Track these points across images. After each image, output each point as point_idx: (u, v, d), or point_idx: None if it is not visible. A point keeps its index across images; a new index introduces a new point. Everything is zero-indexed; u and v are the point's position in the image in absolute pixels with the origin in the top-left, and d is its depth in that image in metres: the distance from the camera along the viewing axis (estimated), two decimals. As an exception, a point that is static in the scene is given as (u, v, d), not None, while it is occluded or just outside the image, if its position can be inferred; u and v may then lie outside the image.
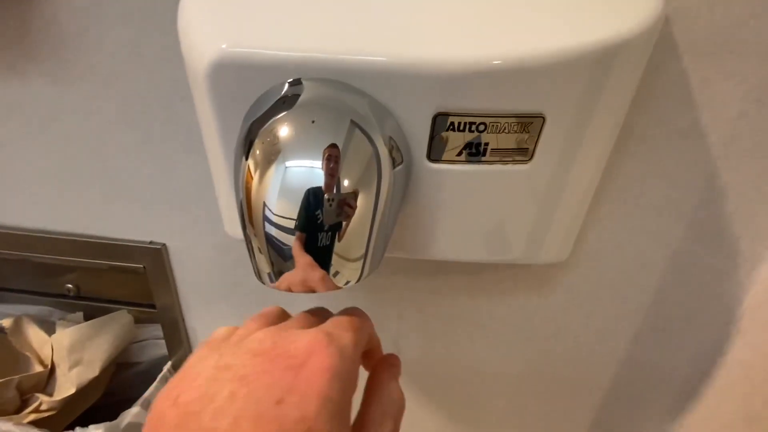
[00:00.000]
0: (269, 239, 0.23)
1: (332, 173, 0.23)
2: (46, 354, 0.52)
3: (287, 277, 0.24)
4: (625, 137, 0.32)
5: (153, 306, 0.47)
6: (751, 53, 0.28)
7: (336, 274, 0.24)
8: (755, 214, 0.34)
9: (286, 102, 0.23)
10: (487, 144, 0.25)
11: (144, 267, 0.44)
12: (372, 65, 0.23)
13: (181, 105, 0.35)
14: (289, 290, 0.25)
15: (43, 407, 0.49)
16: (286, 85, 0.24)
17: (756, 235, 0.35)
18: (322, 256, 0.23)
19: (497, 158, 0.26)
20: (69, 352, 0.49)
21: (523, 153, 0.25)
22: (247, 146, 0.23)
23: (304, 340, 0.20)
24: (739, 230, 0.35)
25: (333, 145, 0.23)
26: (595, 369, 0.44)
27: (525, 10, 0.24)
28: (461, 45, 0.23)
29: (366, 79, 0.24)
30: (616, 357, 0.43)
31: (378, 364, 0.27)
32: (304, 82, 0.24)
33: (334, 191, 0.23)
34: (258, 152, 0.23)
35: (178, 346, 0.49)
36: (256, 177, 0.23)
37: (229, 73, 0.24)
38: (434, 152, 0.26)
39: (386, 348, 0.46)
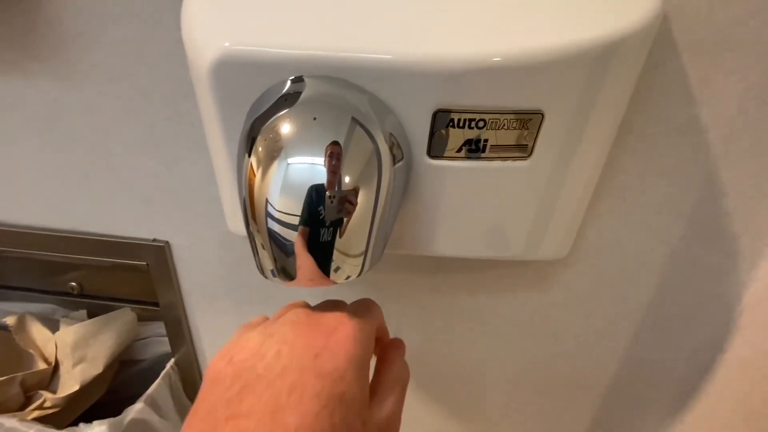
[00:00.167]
0: (272, 235, 0.24)
1: (334, 170, 0.23)
2: (49, 351, 0.52)
3: (289, 272, 0.24)
4: (625, 134, 0.32)
5: (156, 303, 0.48)
6: (750, 51, 0.29)
7: (337, 269, 0.24)
8: (755, 211, 0.34)
9: (288, 99, 0.24)
10: (486, 141, 0.25)
11: (147, 264, 0.44)
12: (372, 62, 0.24)
13: (183, 103, 0.35)
14: (292, 285, 0.25)
15: (47, 404, 0.49)
16: (288, 83, 0.24)
17: (756, 233, 0.35)
18: (323, 252, 0.24)
19: (497, 155, 0.26)
20: (73, 350, 0.49)
21: (523, 149, 0.26)
22: (249, 143, 0.23)
23: (333, 315, 0.25)
24: (739, 228, 0.35)
25: (335, 143, 0.23)
26: (595, 367, 0.45)
27: (524, 7, 0.24)
28: (461, 42, 0.23)
29: (367, 76, 0.24)
30: (616, 355, 0.43)
31: (386, 345, 0.31)
32: (306, 79, 0.24)
33: (336, 188, 0.23)
34: (260, 149, 0.23)
35: (181, 343, 0.49)
36: (258, 174, 0.23)
37: (231, 70, 0.25)
38: (434, 149, 0.26)
39: (387, 345, 0.46)
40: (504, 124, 0.24)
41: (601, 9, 0.24)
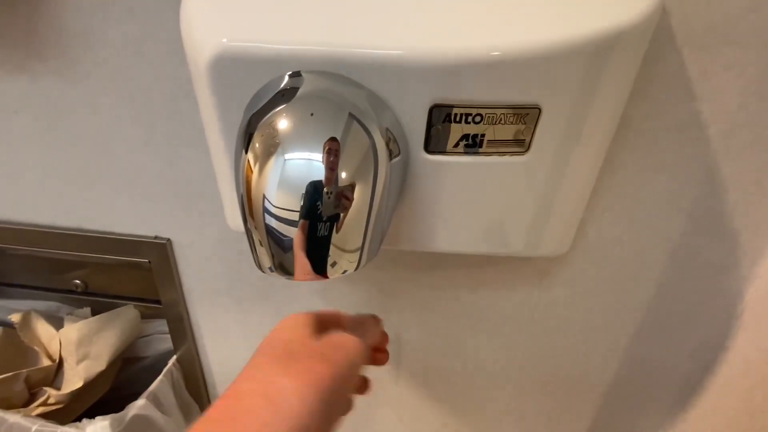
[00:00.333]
0: (269, 231, 0.24)
1: (332, 167, 0.23)
2: (54, 348, 0.52)
3: (287, 268, 0.24)
4: (625, 130, 0.32)
5: (158, 301, 0.48)
6: (750, 46, 0.28)
7: (334, 264, 0.24)
8: (756, 207, 0.34)
9: (285, 95, 0.24)
10: (483, 135, 0.25)
11: (149, 261, 0.44)
12: (369, 57, 0.24)
13: (184, 101, 0.36)
14: (289, 279, 0.25)
15: (51, 401, 0.49)
16: (286, 78, 0.24)
17: (757, 229, 0.35)
18: (320, 248, 0.24)
19: (494, 150, 0.26)
20: (77, 347, 0.49)
21: (520, 145, 0.26)
22: (246, 139, 0.24)
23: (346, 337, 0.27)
24: (740, 224, 0.35)
25: (333, 139, 0.23)
26: (597, 364, 0.44)
27: (521, 1, 0.24)
28: (457, 36, 0.23)
29: (363, 71, 0.24)
30: (617, 352, 0.43)
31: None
32: (303, 74, 0.25)
33: (333, 184, 0.23)
34: (257, 145, 0.23)
35: (183, 340, 0.50)
36: (255, 170, 0.23)
37: (229, 66, 0.25)
38: (431, 144, 0.26)
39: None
40: (501, 119, 0.24)
41: (599, 3, 0.24)
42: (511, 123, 0.25)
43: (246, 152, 0.23)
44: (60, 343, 0.52)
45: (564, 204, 0.30)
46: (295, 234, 0.23)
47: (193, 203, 0.41)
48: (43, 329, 0.53)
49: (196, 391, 0.54)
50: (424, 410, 0.51)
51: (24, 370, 0.50)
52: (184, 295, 0.47)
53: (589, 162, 0.29)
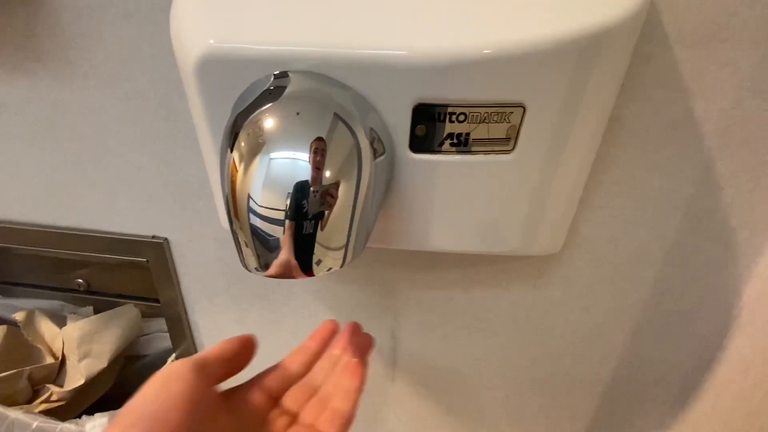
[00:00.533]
0: (254, 231, 0.24)
1: (319, 166, 0.23)
2: (57, 346, 0.53)
3: (273, 267, 0.25)
4: (617, 128, 0.31)
5: (158, 300, 0.49)
6: (743, 42, 0.28)
7: (318, 262, 0.24)
8: (753, 205, 0.33)
9: (272, 94, 0.24)
10: (468, 134, 0.25)
11: (147, 261, 0.45)
12: (351, 57, 0.24)
13: (180, 102, 0.36)
14: (276, 277, 0.25)
15: (54, 398, 0.50)
16: (272, 78, 0.25)
17: (755, 227, 0.34)
18: (304, 246, 0.24)
19: (480, 148, 0.26)
20: (78, 345, 0.50)
21: (506, 143, 0.26)
22: (232, 138, 0.24)
23: None
24: (737, 222, 0.34)
25: (320, 138, 0.23)
26: (595, 364, 0.44)
27: (502, 0, 0.24)
28: (438, 35, 0.23)
29: (347, 71, 0.24)
30: (615, 352, 0.43)
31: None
32: (290, 74, 0.25)
33: (319, 183, 0.23)
34: (243, 144, 0.23)
35: (182, 339, 0.50)
36: (240, 169, 0.23)
37: (216, 67, 0.25)
38: (416, 143, 0.26)
39: (383, 341, 0.46)
40: (485, 118, 0.24)
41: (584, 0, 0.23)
42: (496, 122, 0.24)
43: (231, 151, 0.24)
44: (63, 341, 0.52)
45: (554, 203, 0.30)
46: (280, 233, 0.24)
47: (190, 203, 0.41)
48: (46, 327, 0.54)
49: (196, 389, 0.55)
50: (420, 410, 0.51)
51: (27, 368, 0.51)
52: (182, 294, 0.47)
53: (579, 160, 0.29)
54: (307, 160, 0.23)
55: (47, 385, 0.51)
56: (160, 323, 0.55)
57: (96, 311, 0.54)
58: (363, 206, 0.24)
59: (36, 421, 0.42)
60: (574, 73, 0.24)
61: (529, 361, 0.45)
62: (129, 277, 0.52)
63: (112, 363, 0.52)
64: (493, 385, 0.48)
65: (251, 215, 0.23)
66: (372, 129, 0.24)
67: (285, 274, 0.25)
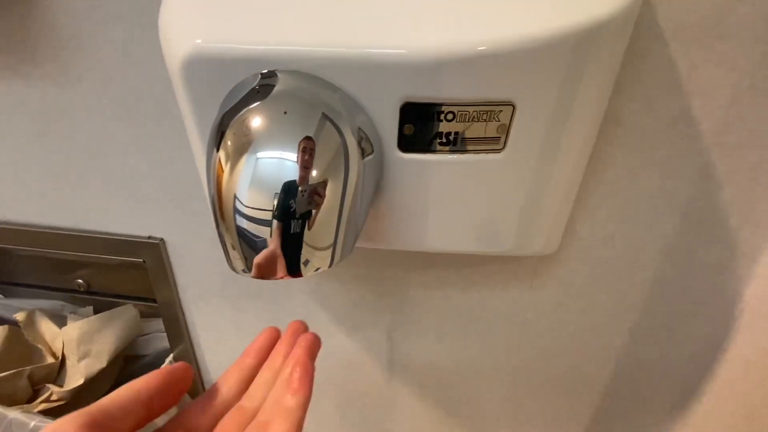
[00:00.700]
0: (240, 232, 0.24)
1: (307, 165, 0.23)
2: (57, 346, 0.53)
3: (260, 268, 0.24)
4: (613, 126, 0.31)
5: (155, 300, 0.49)
6: (741, 39, 0.28)
7: (306, 262, 0.24)
8: (753, 205, 0.33)
9: (259, 93, 0.24)
10: (457, 133, 0.25)
11: (144, 261, 0.45)
12: (339, 56, 0.23)
13: (174, 103, 0.36)
14: (263, 279, 0.25)
15: (54, 397, 0.51)
16: (259, 77, 0.24)
17: (755, 227, 0.34)
18: (292, 246, 0.24)
19: (470, 148, 0.25)
20: (78, 345, 0.50)
21: (496, 142, 0.25)
22: (218, 137, 0.24)
23: None
24: (737, 221, 0.34)
25: (308, 138, 0.23)
26: (593, 366, 0.44)
27: (491, -3, 0.23)
28: (425, 34, 0.23)
29: (334, 70, 0.24)
30: (613, 353, 0.42)
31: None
32: (278, 73, 0.24)
33: (307, 183, 0.23)
34: (229, 143, 0.23)
35: (179, 339, 0.50)
36: (227, 169, 0.23)
37: (203, 67, 0.25)
38: (405, 142, 0.26)
39: (380, 341, 0.46)
40: (474, 117, 0.24)
41: (574, -4, 0.23)
42: (485, 120, 0.24)
43: (218, 150, 0.23)
44: (63, 342, 0.53)
45: (549, 202, 0.30)
46: (267, 234, 0.23)
47: (186, 203, 0.41)
48: (46, 327, 0.54)
49: (193, 388, 0.55)
50: (417, 411, 0.50)
51: (28, 367, 0.51)
52: (179, 295, 0.47)
53: (573, 159, 0.28)
54: (295, 159, 0.23)
55: (47, 385, 0.51)
56: (160, 323, 0.55)
57: (96, 311, 0.55)
58: (351, 206, 0.24)
59: (33, 421, 0.42)
60: (564, 70, 0.23)
61: (526, 361, 0.45)
62: (128, 277, 0.52)
63: (112, 363, 0.52)
64: (491, 385, 0.47)
65: (237, 216, 0.23)
66: (360, 128, 0.24)
67: (272, 275, 0.24)
